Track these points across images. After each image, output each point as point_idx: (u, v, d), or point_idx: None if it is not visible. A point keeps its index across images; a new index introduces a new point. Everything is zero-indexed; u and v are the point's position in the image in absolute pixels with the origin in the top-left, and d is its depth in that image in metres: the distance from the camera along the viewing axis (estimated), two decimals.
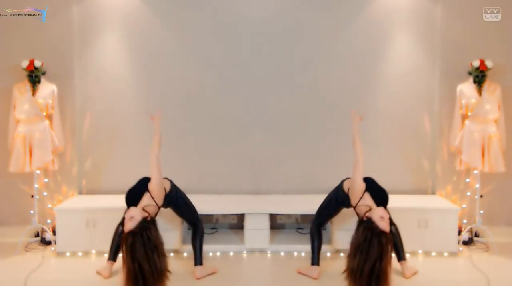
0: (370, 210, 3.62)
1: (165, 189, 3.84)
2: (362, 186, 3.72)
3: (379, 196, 3.74)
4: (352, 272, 3.31)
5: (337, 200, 3.97)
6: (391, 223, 3.87)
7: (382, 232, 3.36)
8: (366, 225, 3.42)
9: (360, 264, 3.26)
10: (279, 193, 5.09)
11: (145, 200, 3.74)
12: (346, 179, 3.98)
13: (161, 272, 3.36)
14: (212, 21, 5.01)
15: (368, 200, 3.70)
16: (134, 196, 3.78)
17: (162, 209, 3.88)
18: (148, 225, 3.46)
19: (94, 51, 5.00)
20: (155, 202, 3.76)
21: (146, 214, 3.61)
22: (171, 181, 4.03)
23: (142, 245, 3.32)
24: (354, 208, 3.78)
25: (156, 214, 3.77)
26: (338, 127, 4.94)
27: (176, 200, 3.97)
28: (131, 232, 3.41)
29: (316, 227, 4.04)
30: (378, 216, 3.49)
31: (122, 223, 3.84)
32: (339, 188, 3.97)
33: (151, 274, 3.30)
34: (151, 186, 3.75)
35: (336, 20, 5.01)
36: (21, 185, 4.89)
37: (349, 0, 5.00)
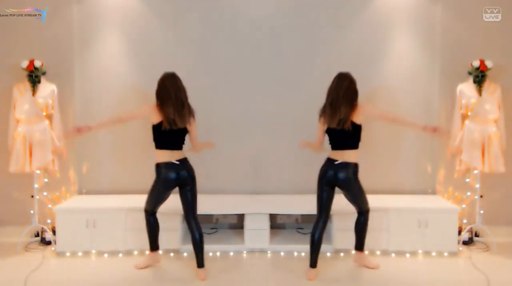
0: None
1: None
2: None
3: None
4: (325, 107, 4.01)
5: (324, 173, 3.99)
6: (364, 212, 3.95)
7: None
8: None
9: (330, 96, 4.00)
10: (279, 193, 5.09)
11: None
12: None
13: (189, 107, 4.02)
14: (212, 21, 5.01)
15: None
16: None
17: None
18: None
19: (94, 51, 5.00)
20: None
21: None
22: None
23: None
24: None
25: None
26: None
27: (190, 176, 3.95)
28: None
29: (321, 232, 3.92)
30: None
31: (147, 203, 3.97)
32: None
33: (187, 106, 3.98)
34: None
35: (336, 20, 5.01)
36: (21, 184, 4.88)
37: (349, 0, 5.00)
